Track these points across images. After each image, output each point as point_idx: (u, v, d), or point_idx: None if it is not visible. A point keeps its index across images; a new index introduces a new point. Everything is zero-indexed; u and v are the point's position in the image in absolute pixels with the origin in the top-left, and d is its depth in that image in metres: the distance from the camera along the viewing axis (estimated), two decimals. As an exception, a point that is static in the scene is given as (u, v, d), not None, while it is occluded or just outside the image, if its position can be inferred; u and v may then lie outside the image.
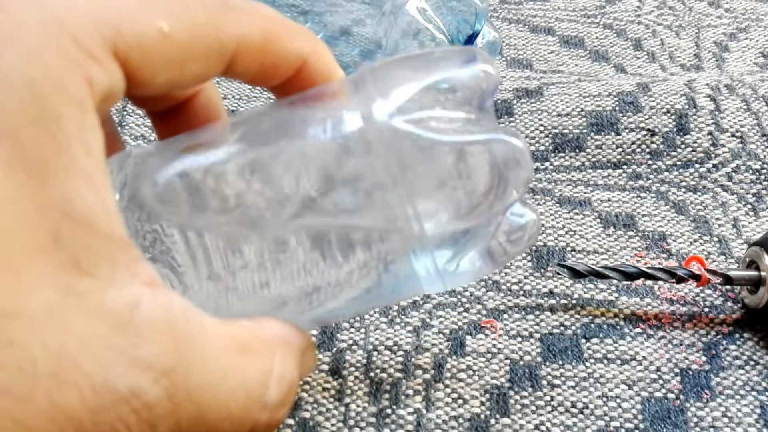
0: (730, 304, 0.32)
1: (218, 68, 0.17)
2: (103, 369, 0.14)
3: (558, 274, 0.30)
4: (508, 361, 0.30)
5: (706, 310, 0.31)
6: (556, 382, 0.29)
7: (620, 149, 0.38)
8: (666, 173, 0.38)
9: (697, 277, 0.30)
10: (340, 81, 0.20)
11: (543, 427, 0.27)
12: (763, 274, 0.30)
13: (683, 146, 0.38)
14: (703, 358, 0.30)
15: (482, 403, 0.28)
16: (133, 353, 0.14)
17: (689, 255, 0.33)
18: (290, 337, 0.18)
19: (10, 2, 0.14)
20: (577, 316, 0.31)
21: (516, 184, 0.19)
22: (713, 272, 0.30)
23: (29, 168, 0.13)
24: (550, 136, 0.39)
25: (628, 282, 0.31)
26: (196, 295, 0.18)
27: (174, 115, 0.21)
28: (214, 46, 0.17)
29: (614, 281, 0.32)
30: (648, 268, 0.30)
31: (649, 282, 0.32)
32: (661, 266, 0.31)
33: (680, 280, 0.30)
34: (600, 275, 0.30)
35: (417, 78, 0.19)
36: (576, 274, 0.30)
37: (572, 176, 0.38)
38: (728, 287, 0.32)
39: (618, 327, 0.31)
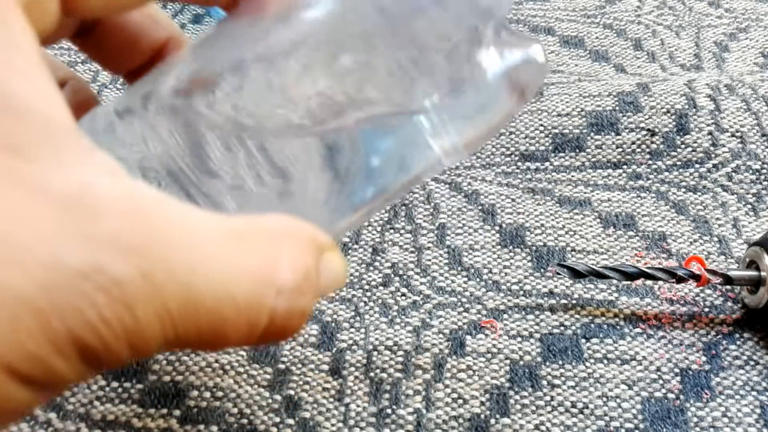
0: (730, 304, 0.32)
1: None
2: (50, 246, 0.13)
3: (558, 274, 0.30)
4: (508, 361, 0.30)
5: (706, 310, 0.31)
6: (556, 382, 0.29)
7: (620, 149, 0.38)
8: (666, 173, 0.38)
9: (697, 277, 0.30)
10: None
11: (543, 427, 0.27)
12: (763, 274, 0.30)
13: (683, 146, 0.38)
14: (703, 358, 0.30)
15: (482, 403, 0.28)
16: (86, 230, 0.13)
17: (689, 255, 0.33)
18: (300, 228, 0.16)
19: None
20: (577, 316, 0.31)
21: (491, 16, 0.17)
22: (713, 272, 0.30)
23: None
24: (550, 136, 0.39)
25: (628, 282, 0.31)
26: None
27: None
28: None
29: (614, 281, 0.32)
30: (648, 268, 0.30)
31: (649, 282, 0.32)
32: (661, 266, 0.31)
33: (680, 280, 0.30)
34: (600, 275, 0.30)
35: None
36: (576, 274, 0.30)
37: (572, 176, 0.38)
38: (728, 287, 0.32)
39: (618, 327, 0.31)
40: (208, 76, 0.17)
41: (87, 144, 0.14)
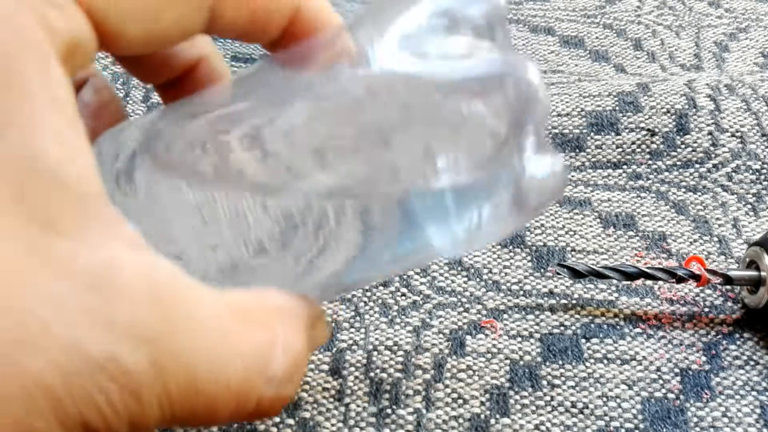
0: (730, 304, 0.32)
1: (199, 18, 0.16)
2: (74, 331, 0.13)
3: (558, 274, 0.30)
4: (508, 361, 0.30)
5: (706, 310, 0.31)
6: (556, 382, 0.29)
7: (620, 149, 0.38)
8: (666, 173, 0.38)
9: (697, 277, 0.30)
10: (337, 28, 0.19)
11: (543, 427, 0.27)
12: (763, 274, 0.30)
13: (683, 146, 0.38)
14: (703, 358, 0.30)
15: (482, 403, 0.28)
16: (109, 316, 0.13)
17: (689, 255, 0.33)
18: (296, 307, 0.17)
19: None
20: (577, 316, 0.31)
21: (532, 121, 0.17)
22: (713, 272, 0.30)
23: None
24: (550, 136, 0.39)
25: (628, 282, 0.31)
26: (197, 267, 0.17)
27: (180, 87, 0.20)
28: None
29: (614, 281, 0.32)
30: (648, 268, 0.30)
31: (649, 282, 0.32)
32: (661, 266, 0.31)
33: (680, 280, 0.30)
34: (600, 275, 0.30)
35: (414, 11, 0.17)
36: (576, 274, 0.30)
37: (572, 176, 0.38)
38: (728, 287, 0.32)
39: (618, 327, 0.31)
40: (226, 134, 0.17)
41: (113, 215, 0.14)
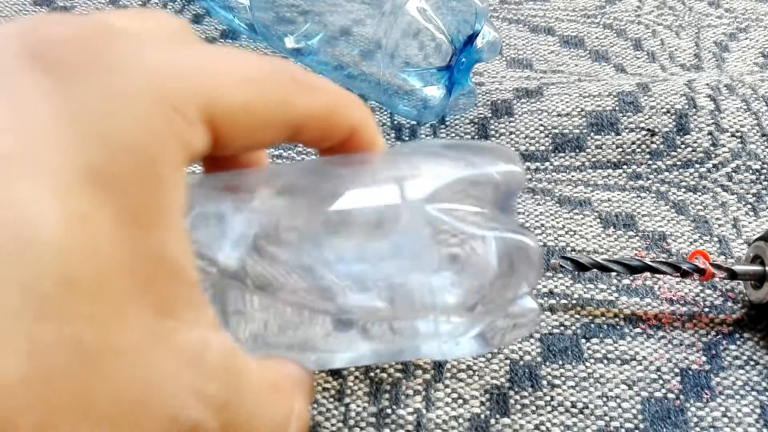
0: (730, 304, 0.32)
1: (286, 135, 0.19)
2: (179, 402, 0.16)
3: (561, 267, 0.30)
4: (508, 361, 0.30)
5: (706, 310, 0.31)
6: (556, 382, 0.29)
7: (620, 149, 0.38)
8: (666, 173, 0.38)
9: (701, 271, 0.29)
10: (381, 153, 0.22)
11: (543, 427, 0.27)
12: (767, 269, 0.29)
13: (683, 146, 0.38)
14: (703, 358, 0.30)
15: (482, 403, 0.28)
16: (201, 389, 0.16)
17: (689, 254, 0.33)
18: (305, 380, 0.20)
19: (122, 72, 0.16)
20: (577, 316, 0.31)
21: (526, 280, 0.20)
22: (718, 266, 0.30)
23: (133, 221, 0.15)
24: (550, 136, 0.39)
25: (632, 275, 0.31)
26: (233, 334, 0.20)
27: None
28: (284, 117, 0.19)
29: (614, 281, 0.32)
30: (652, 261, 0.30)
31: (649, 282, 0.32)
32: (665, 260, 0.31)
33: (684, 274, 0.30)
34: (604, 268, 0.29)
35: (450, 170, 0.20)
36: (580, 267, 0.30)
37: (572, 176, 0.38)
38: (729, 288, 0.32)
39: (618, 327, 0.31)
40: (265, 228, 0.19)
41: (203, 299, 0.17)
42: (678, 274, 0.30)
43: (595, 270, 0.33)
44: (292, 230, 0.19)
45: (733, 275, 0.30)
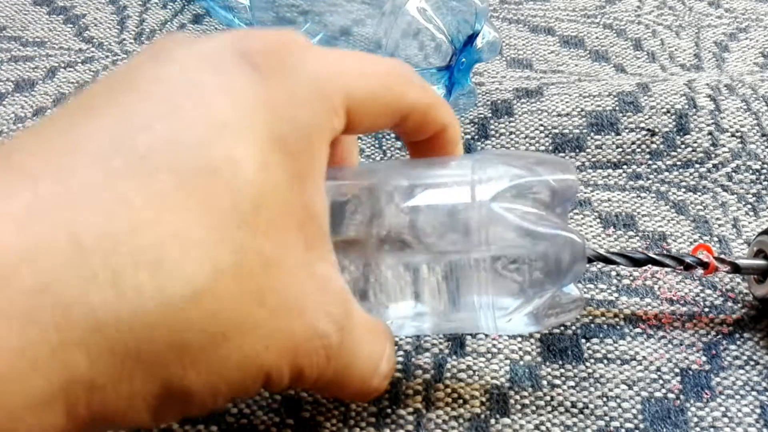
0: (730, 304, 0.32)
1: (397, 121, 0.25)
2: (313, 314, 0.21)
3: None
4: (508, 361, 0.30)
5: (706, 310, 0.31)
6: (556, 382, 0.29)
7: (620, 149, 0.38)
8: (666, 173, 0.38)
9: (705, 265, 0.29)
10: (460, 157, 0.27)
11: (543, 427, 0.27)
12: (772, 263, 0.29)
13: (683, 146, 0.38)
14: (703, 358, 0.30)
15: (482, 403, 0.28)
16: (328, 309, 0.21)
17: (693, 248, 0.33)
18: (390, 333, 0.25)
19: (297, 74, 0.21)
20: (577, 316, 0.31)
21: (572, 272, 0.24)
22: (721, 260, 0.29)
23: (300, 178, 0.21)
24: (550, 136, 0.39)
25: (635, 268, 0.30)
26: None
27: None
28: (398, 107, 0.24)
29: (614, 281, 0.32)
30: (656, 254, 0.29)
31: (649, 282, 0.32)
32: (668, 253, 0.30)
33: (688, 267, 0.29)
34: (607, 260, 0.29)
35: (516, 175, 0.24)
36: None
37: (572, 176, 0.38)
38: (729, 288, 0.32)
39: (618, 327, 0.31)
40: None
41: (330, 246, 0.22)
42: (681, 267, 0.29)
43: (595, 270, 0.33)
44: (384, 208, 0.24)
45: (736, 269, 0.29)
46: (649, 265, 0.29)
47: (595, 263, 0.33)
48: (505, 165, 0.25)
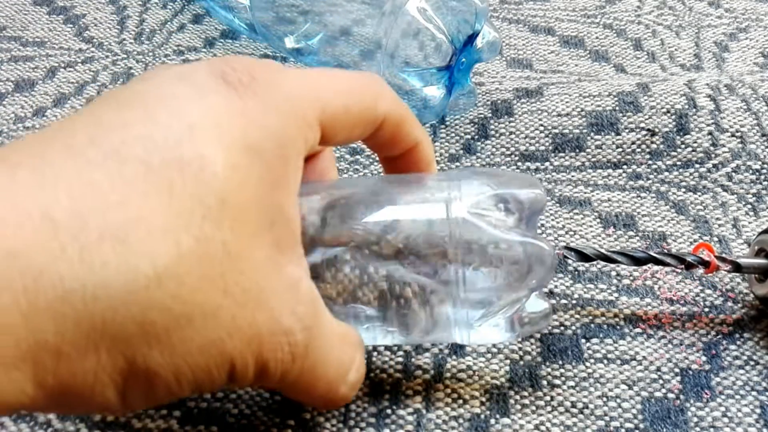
0: (730, 304, 0.32)
1: (369, 132, 0.26)
2: (279, 310, 0.21)
3: (565, 257, 0.30)
4: (508, 361, 0.30)
5: (706, 310, 0.31)
6: (556, 382, 0.29)
7: (620, 149, 0.38)
8: (666, 173, 0.38)
9: (706, 264, 0.29)
10: (434, 174, 0.28)
11: (543, 427, 0.28)
12: (773, 261, 0.29)
13: (683, 146, 0.38)
14: (703, 358, 0.30)
15: (482, 403, 0.28)
16: (294, 308, 0.22)
17: (694, 247, 0.33)
18: (361, 341, 0.25)
19: (271, 91, 0.23)
20: (577, 316, 0.31)
21: (538, 277, 0.25)
22: (722, 259, 0.29)
23: (271, 183, 0.21)
24: (550, 136, 0.39)
25: (635, 267, 0.30)
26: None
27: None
28: (370, 118, 0.25)
29: (614, 281, 0.32)
30: (657, 253, 0.29)
31: (649, 282, 0.32)
32: (669, 252, 0.30)
33: (689, 266, 0.29)
34: (608, 259, 0.29)
35: (488, 189, 0.26)
36: (583, 257, 0.29)
37: (572, 176, 0.38)
38: (729, 288, 0.32)
39: (618, 327, 0.31)
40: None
41: (302, 252, 0.23)
42: (683, 266, 0.29)
43: (595, 270, 0.33)
44: (357, 222, 0.25)
45: (737, 268, 0.29)
46: (650, 265, 0.29)
47: (596, 263, 0.33)
48: (477, 181, 0.26)
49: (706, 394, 0.28)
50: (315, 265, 0.24)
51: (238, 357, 0.21)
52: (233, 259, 0.20)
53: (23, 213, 0.18)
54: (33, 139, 0.20)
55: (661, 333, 0.30)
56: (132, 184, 0.19)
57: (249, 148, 0.21)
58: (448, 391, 0.29)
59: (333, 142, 0.25)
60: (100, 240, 0.18)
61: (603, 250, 0.29)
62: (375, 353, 0.30)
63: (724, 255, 0.30)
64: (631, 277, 0.33)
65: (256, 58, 0.24)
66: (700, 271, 0.29)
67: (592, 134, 0.39)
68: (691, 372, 0.29)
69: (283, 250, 0.22)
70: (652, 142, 0.39)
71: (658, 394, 0.28)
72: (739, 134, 0.38)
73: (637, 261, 0.29)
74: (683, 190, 0.37)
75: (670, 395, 0.28)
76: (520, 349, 0.30)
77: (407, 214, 0.26)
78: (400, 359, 0.30)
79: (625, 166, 0.38)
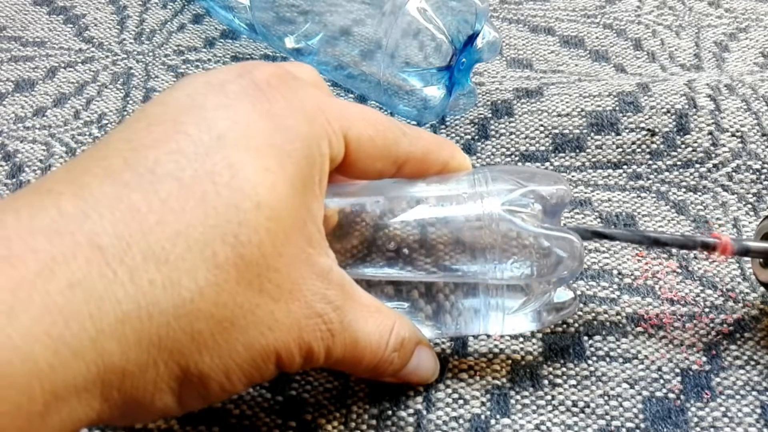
0: (730, 304, 0.32)
1: (392, 170, 0.27)
2: (312, 298, 0.23)
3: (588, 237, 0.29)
4: (509, 361, 0.30)
5: (707, 310, 0.31)
6: (558, 381, 0.29)
7: (620, 149, 0.38)
8: (666, 173, 0.38)
9: (714, 247, 0.28)
10: (460, 173, 0.28)
11: (543, 427, 0.28)
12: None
13: (683, 146, 0.38)
14: (704, 358, 0.30)
15: (483, 404, 0.28)
16: (325, 293, 0.23)
17: (690, 255, 0.33)
18: (399, 315, 0.26)
19: (298, 95, 0.24)
20: (580, 313, 0.31)
21: (569, 269, 0.26)
22: (732, 240, 0.28)
23: (296, 181, 0.22)
24: (550, 136, 0.39)
25: (641, 246, 0.29)
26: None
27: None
28: (394, 154, 0.26)
29: (616, 279, 0.32)
30: (664, 235, 0.28)
31: (650, 282, 0.32)
32: (680, 234, 0.29)
33: (705, 246, 0.28)
34: (611, 237, 0.29)
35: (517, 185, 0.27)
36: (599, 236, 0.28)
37: (572, 176, 0.38)
38: (729, 288, 0.32)
39: (620, 325, 0.31)
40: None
41: (327, 244, 0.24)
42: (692, 247, 0.28)
43: (597, 268, 0.33)
44: (392, 219, 0.27)
45: (746, 251, 0.29)
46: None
47: (597, 262, 0.33)
48: (505, 177, 0.27)
49: (707, 394, 0.28)
50: (355, 261, 0.26)
51: (282, 347, 0.22)
52: (268, 259, 0.21)
53: (74, 244, 0.19)
54: (72, 166, 0.21)
55: (662, 333, 0.31)
56: (167, 203, 0.20)
57: (276, 147, 0.22)
58: (449, 391, 0.29)
59: (354, 169, 0.26)
60: (145, 261, 0.20)
61: (606, 230, 0.28)
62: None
63: (718, 261, 0.29)
64: (632, 276, 0.33)
65: (287, 62, 0.25)
66: (704, 266, 0.29)
67: (592, 134, 0.39)
68: (691, 372, 0.29)
69: (314, 245, 0.23)
70: (653, 142, 0.39)
71: (659, 393, 0.28)
72: (739, 134, 0.38)
73: (654, 242, 0.28)
74: (683, 190, 0.37)
75: (671, 395, 0.28)
76: (521, 349, 0.30)
77: (443, 212, 0.27)
78: (401, 359, 0.30)
79: (625, 166, 0.38)
